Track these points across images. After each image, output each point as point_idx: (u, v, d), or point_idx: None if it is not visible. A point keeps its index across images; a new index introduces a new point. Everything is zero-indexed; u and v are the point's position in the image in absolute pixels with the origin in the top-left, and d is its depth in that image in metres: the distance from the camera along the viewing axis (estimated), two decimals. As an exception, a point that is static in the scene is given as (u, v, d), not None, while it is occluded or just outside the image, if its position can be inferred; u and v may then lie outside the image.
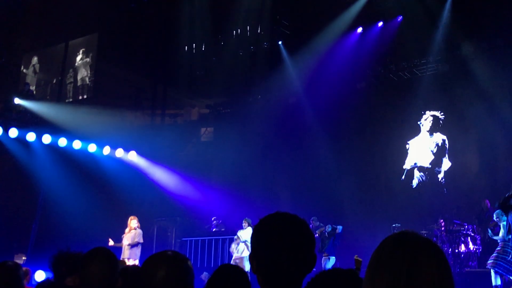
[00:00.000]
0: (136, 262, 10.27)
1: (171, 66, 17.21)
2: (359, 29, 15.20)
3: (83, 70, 16.47)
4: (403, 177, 14.60)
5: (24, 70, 17.32)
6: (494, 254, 9.01)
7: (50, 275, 3.47)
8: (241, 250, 11.77)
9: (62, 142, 14.39)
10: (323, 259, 11.92)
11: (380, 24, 14.94)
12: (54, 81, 17.01)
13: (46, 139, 14.21)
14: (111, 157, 15.27)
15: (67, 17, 15.75)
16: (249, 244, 11.14)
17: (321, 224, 12.59)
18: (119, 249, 10.76)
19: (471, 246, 11.38)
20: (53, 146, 14.39)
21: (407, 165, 14.66)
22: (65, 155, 14.46)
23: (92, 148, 14.91)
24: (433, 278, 1.18)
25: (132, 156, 15.64)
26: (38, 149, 14.39)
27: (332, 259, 11.98)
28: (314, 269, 1.77)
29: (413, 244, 1.23)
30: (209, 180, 16.02)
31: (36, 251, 13.71)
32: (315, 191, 14.82)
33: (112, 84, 16.82)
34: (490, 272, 8.94)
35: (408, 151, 14.71)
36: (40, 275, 9.88)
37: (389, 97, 14.99)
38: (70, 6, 15.22)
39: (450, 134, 14.06)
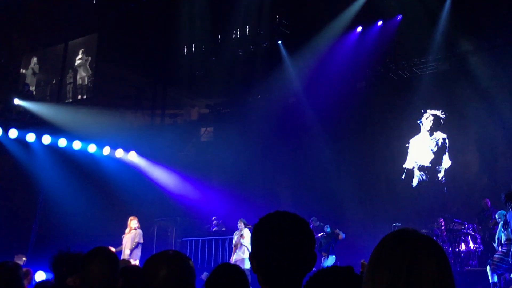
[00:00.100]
0: (137, 263, 10.27)
1: (171, 66, 17.20)
2: (359, 28, 15.17)
3: (83, 70, 16.43)
4: (403, 176, 14.58)
5: (24, 71, 17.28)
6: (497, 255, 8.79)
7: (51, 275, 3.47)
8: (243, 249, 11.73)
9: (62, 142, 14.39)
10: (322, 258, 11.94)
11: (380, 23, 14.91)
12: (54, 81, 16.97)
13: (46, 139, 14.20)
14: (111, 158, 15.26)
15: (67, 17, 15.73)
16: (248, 245, 11.19)
17: (321, 224, 12.60)
18: (120, 251, 10.78)
19: (471, 245, 11.36)
20: (53, 147, 14.38)
21: (407, 164, 14.66)
22: (65, 155, 14.46)
23: (92, 148, 14.90)
24: (433, 275, 1.19)
25: (132, 156, 15.64)
26: (38, 150, 14.38)
27: (332, 258, 11.98)
28: (314, 268, 1.77)
29: (413, 241, 1.23)
30: (209, 180, 16.03)
31: (36, 251, 13.72)
32: (315, 191, 14.82)
33: (112, 84, 16.82)
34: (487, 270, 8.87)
35: (408, 150, 14.70)
36: (40, 276, 9.86)
37: (389, 96, 14.97)
38: (70, 6, 15.21)
39: (450, 133, 14.03)
